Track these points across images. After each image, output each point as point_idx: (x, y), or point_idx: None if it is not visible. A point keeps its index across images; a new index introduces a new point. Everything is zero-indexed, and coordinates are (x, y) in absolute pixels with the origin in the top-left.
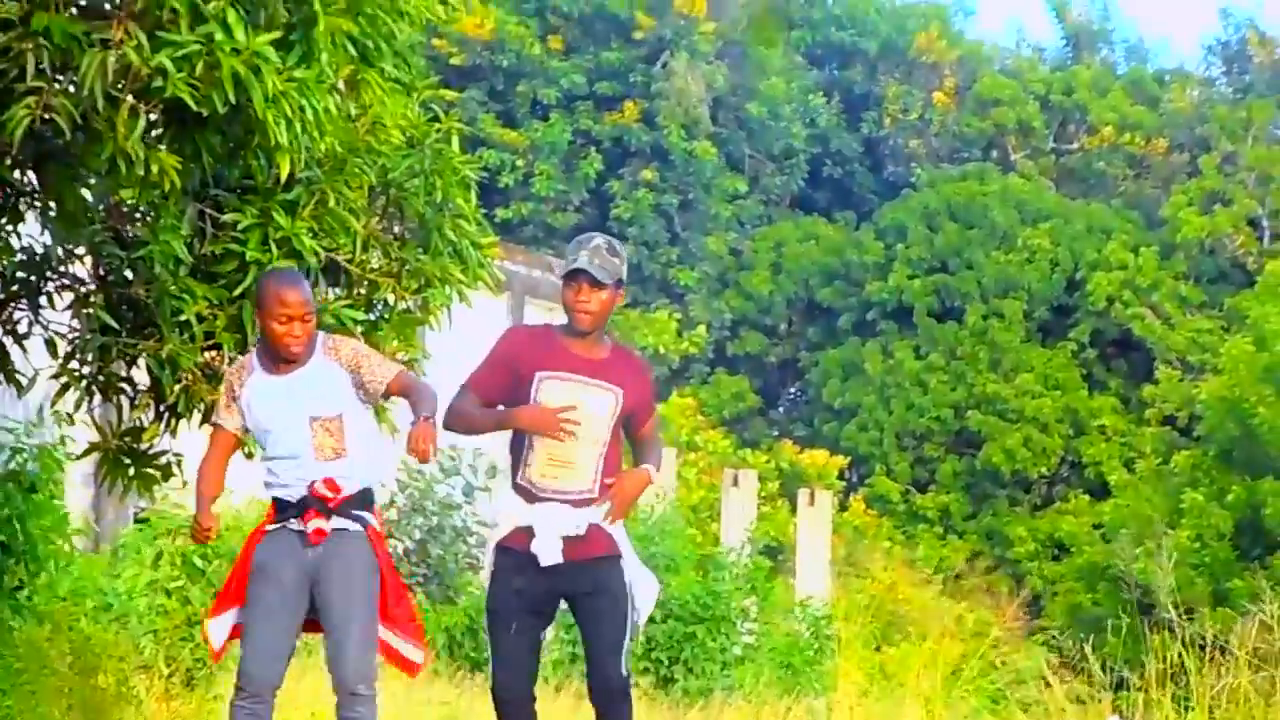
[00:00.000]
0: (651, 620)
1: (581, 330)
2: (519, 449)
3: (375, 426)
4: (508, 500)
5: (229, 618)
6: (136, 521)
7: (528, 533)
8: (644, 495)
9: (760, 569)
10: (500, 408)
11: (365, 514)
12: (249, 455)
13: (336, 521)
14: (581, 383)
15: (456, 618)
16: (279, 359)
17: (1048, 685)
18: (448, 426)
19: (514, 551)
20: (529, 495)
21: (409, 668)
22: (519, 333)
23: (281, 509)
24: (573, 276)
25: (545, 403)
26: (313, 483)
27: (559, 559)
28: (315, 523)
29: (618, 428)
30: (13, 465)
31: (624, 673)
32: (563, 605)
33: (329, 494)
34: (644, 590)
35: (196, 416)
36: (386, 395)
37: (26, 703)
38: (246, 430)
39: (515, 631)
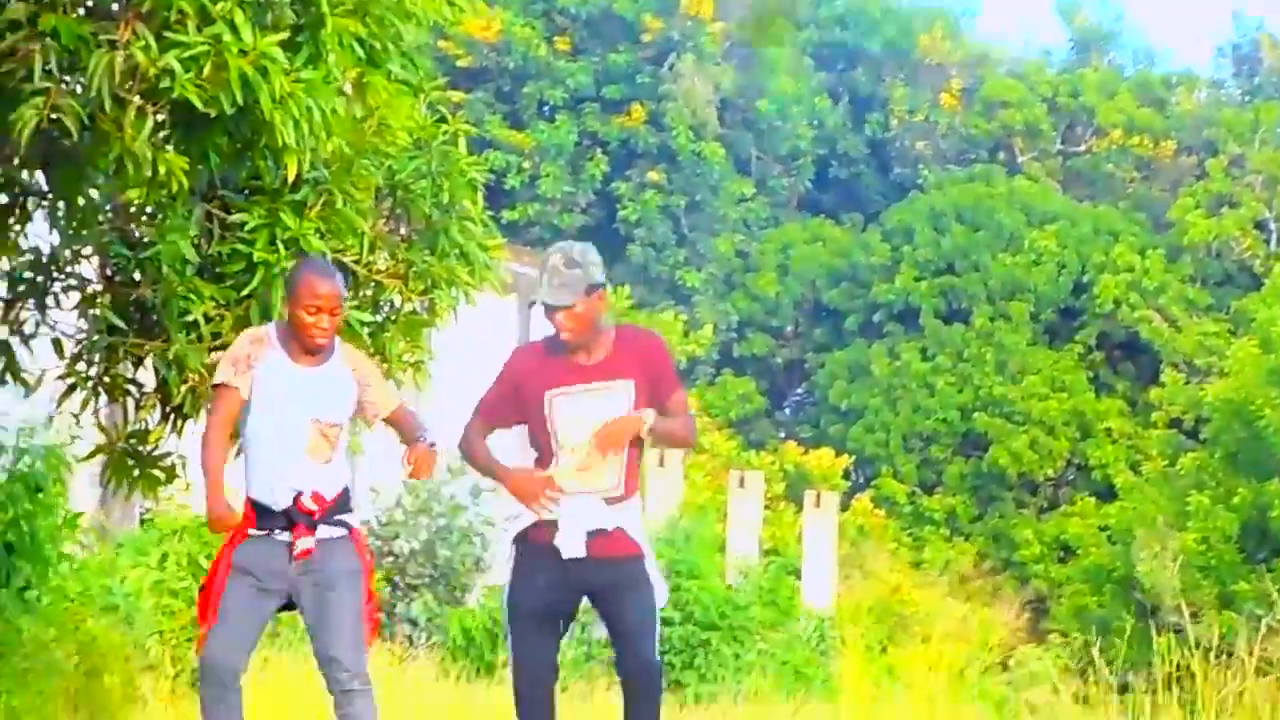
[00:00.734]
0: (668, 623)
1: (573, 346)
2: (542, 451)
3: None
4: None
5: None
6: (142, 523)
7: (552, 526)
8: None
9: (785, 586)
10: (497, 459)
11: (347, 517)
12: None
13: (321, 531)
14: (590, 390)
15: (478, 619)
16: (301, 349)
17: (1056, 691)
18: (459, 446)
19: (536, 544)
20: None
21: None
22: (524, 353)
23: (263, 515)
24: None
25: (558, 421)
26: (299, 495)
27: (582, 552)
28: (303, 542)
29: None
30: (20, 466)
31: (656, 657)
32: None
33: (315, 508)
34: (658, 594)
35: (203, 417)
36: (380, 421)
37: (33, 703)
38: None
39: (536, 627)
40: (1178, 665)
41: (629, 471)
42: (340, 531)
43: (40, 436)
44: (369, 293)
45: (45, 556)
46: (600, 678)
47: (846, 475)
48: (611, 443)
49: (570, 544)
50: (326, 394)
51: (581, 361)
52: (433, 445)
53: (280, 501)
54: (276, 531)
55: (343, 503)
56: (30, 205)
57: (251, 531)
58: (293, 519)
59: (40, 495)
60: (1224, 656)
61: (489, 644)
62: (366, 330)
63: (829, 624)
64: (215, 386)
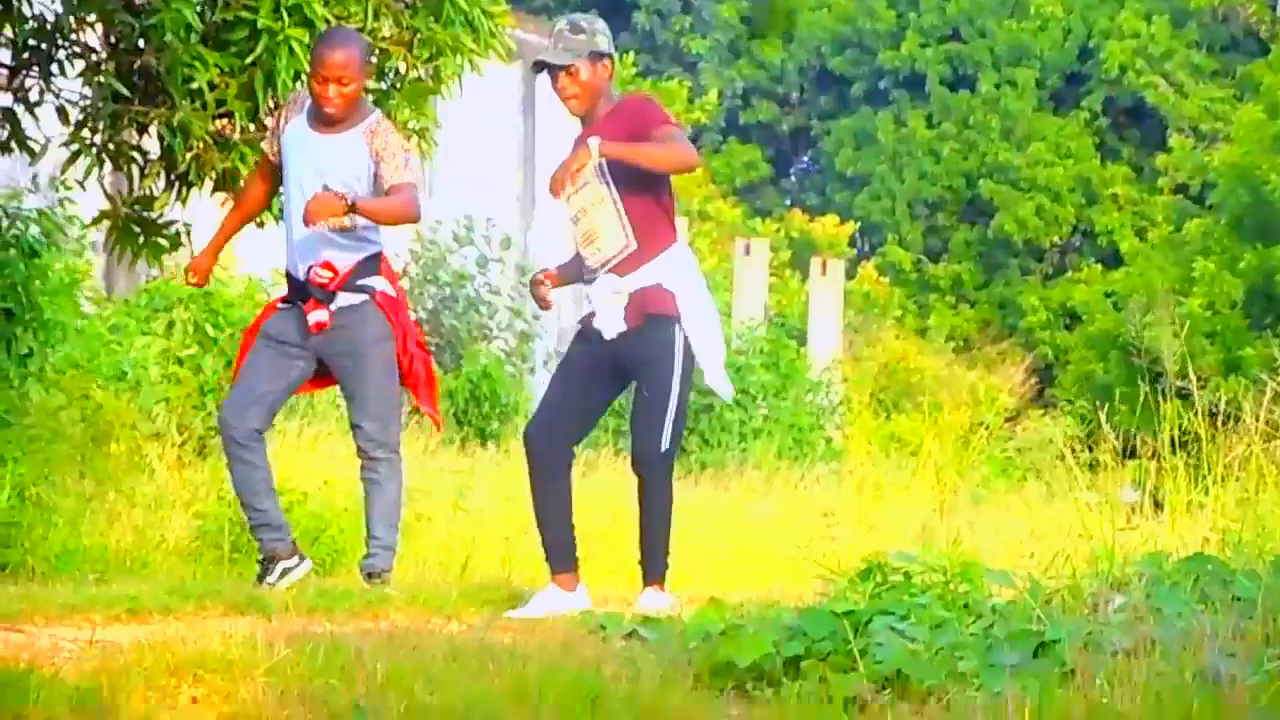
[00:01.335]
0: None
1: (576, 116)
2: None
3: None
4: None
5: None
6: (145, 290)
7: (592, 311)
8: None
9: (790, 352)
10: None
11: (371, 280)
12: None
13: (340, 299)
14: (571, 159)
15: (458, 383)
16: (318, 116)
17: (1061, 459)
18: None
19: (587, 320)
20: (589, 274)
21: (436, 424)
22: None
23: (291, 286)
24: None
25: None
26: (311, 268)
27: (622, 327)
28: (315, 315)
29: (627, 173)
30: (13, 231)
31: (661, 445)
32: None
33: (326, 278)
34: (704, 347)
35: (208, 185)
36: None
37: (40, 470)
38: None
39: (562, 388)
40: (1183, 430)
41: (643, 222)
42: (361, 298)
43: (36, 201)
44: (374, 60)
45: (45, 322)
46: (604, 445)
47: (852, 243)
48: (556, 178)
49: (608, 324)
50: (336, 161)
51: (581, 135)
52: (350, 201)
53: (301, 272)
54: (299, 303)
55: (367, 268)
56: None
57: (280, 304)
58: (307, 293)
59: (37, 260)
60: (1230, 421)
61: (477, 411)
62: (371, 98)
63: (834, 390)
64: None
